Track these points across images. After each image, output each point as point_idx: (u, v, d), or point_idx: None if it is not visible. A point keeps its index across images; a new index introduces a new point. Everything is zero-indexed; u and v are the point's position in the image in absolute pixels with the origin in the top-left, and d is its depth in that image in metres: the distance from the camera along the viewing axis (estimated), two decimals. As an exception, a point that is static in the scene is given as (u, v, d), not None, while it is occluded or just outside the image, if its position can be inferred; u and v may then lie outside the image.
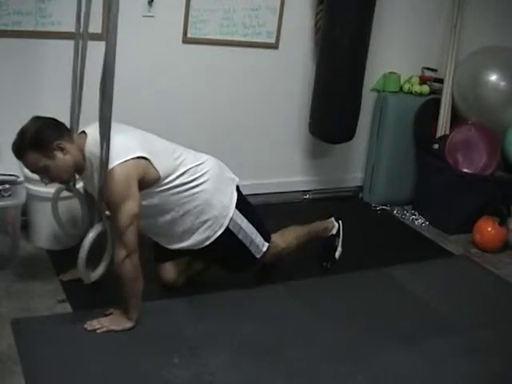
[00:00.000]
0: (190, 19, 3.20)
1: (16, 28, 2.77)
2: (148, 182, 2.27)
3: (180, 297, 2.55)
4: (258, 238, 2.58)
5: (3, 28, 2.74)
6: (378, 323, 2.57)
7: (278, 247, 2.69)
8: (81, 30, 2.34)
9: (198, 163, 2.45)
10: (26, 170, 2.74)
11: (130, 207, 2.16)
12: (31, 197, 2.76)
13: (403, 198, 3.99)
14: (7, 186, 2.58)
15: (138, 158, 2.21)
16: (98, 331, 2.25)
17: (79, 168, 2.29)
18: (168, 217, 2.41)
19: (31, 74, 2.90)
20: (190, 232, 2.47)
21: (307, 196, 3.97)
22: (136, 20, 3.06)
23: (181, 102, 3.35)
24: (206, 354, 2.23)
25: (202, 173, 2.44)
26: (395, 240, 3.52)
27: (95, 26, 2.62)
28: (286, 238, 2.75)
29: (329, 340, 2.42)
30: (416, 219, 3.82)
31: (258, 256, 2.59)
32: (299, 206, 3.84)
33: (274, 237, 2.70)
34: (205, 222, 2.46)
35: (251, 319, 2.49)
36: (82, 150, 2.26)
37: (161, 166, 2.28)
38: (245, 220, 2.54)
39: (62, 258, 2.78)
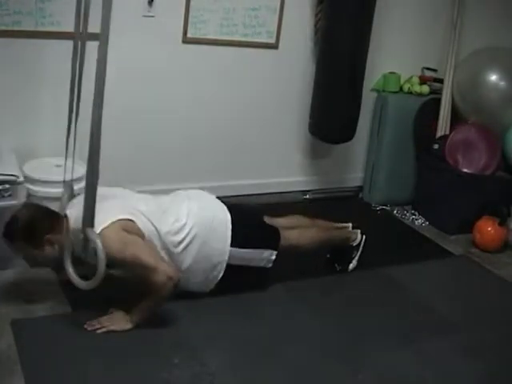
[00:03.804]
0: (189, 19, 3.20)
1: (16, 28, 2.77)
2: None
3: (180, 297, 2.54)
4: (265, 253, 2.58)
5: (3, 28, 2.74)
6: (377, 323, 2.57)
7: (291, 243, 2.68)
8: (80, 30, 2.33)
9: (181, 223, 2.40)
10: (26, 170, 2.76)
11: (137, 244, 2.20)
12: (31, 197, 2.75)
13: (403, 198, 3.98)
14: (7, 186, 2.57)
15: (123, 219, 2.23)
16: (98, 331, 2.25)
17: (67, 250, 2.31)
18: None
19: (31, 73, 2.90)
20: (190, 282, 2.48)
21: (307, 196, 3.97)
22: (136, 20, 3.06)
23: (180, 102, 3.35)
24: (206, 354, 2.23)
25: (186, 232, 2.39)
26: (395, 240, 3.52)
27: (95, 26, 2.61)
28: (302, 239, 2.74)
29: (329, 340, 2.42)
30: (416, 219, 3.82)
31: (269, 266, 2.61)
32: (299, 206, 3.83)
33: (292, 233, 2.70)
34: (203, 272, 2.48)
35: (251, 319, 2.49)
36: (67, 232, 2.27)
37: (143, 228, 2.30)
38: (246, 249, 2.53)
39: (62, 258, 2.77)
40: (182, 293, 2.55)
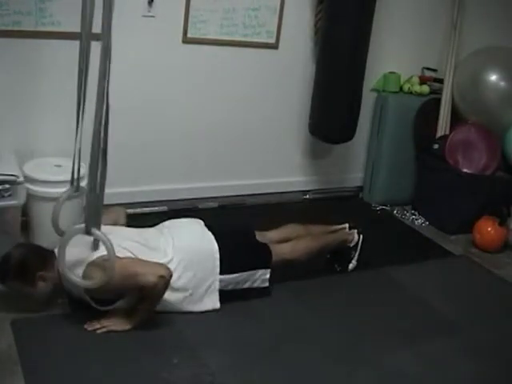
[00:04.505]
0: (189, 19, 3.20)
1: (16, 28, 2.76)
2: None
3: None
4: (258, 273, 2.58)
5: (3, 28, 2.74)
6: (378, 323, 2.57)
7: (284, 258, 2.67)
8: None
9: (168, 259, 2.39)
10: (26, 170, 2.75)
11: (123, 265, 2.19)
12: (31, 197, 2.75)
13: (403, 198, 3.98)
14: (7, 186, 2.57)
15: None
16: (98, 331, 2.25)
17: (59, 287, 2.34)
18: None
19: (31, 74, 2.90)
20: (190, 305, 2.48)
21: (307, 196, 3.97)
22: (136, 20, 3.06)
23: (180, 102, 3.35)
24: (206, 354, 2.23)
25: (173, 268, 2.36)
26: (395, 240, 3.52)
27: (95, 27, 2.61)
28: (296, 252, 2.73)
29: (329, 340, 2.42)
30: (416, 219, 3.82)
31: (265, 285, 2.61)
32: (299, 206, 3.84)
33: (284, 248, 2.70)
34: (198, 302, 2.47)
35: (251, 319, 2.49)
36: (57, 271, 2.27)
37: None
38: (236, 275, 2.53)
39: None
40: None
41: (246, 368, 2.19)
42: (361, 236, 2.96)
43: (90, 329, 2.26)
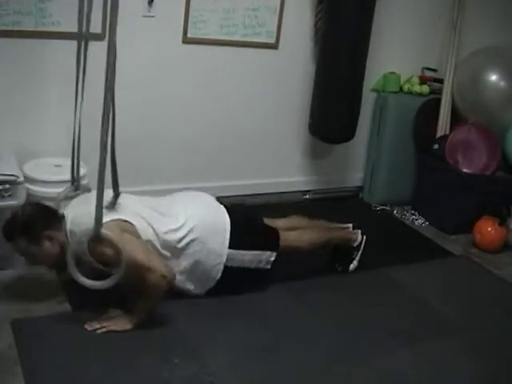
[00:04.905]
0: (190, 19, 3.20)
1: (16, 28, 2.77)
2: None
3: (180, 297, 2.54)
4: (265, 255, 2.58)
5: (3, 28, 2.74)
6: (378, 323, 2.57)
7: (290, 244, 2.68)
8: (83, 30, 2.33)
9: (178, 225, 2.40)
10: (26, 170, 2.76)
11: (133, 243, 2.20)
12: (31, 197, 2.75)
13: (403, 198, 3.98)
14: (7, 186, 2.57)
15: (123, 220, 2.25)
16: (98, 331, 2.25)
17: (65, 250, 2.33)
18: None
19: (31, 74, 2.90)
20: (188, 283, 2.49)
21: (307, 196, 3.97)
22: (136, 20, 3.06)
23: (180, 102, 3.35)
24: (206, 353, 2.23)
25: (183, 234, 2.40)
26: (395, 240, 3.52)
27: (95, 26, 2.61)
28: (301, 241, 2.74)
29: (329, 340, 2.42)
30: (416, 219, 3.82)
31: (268, 267, 2.61)
32: (299, 206, 3.83)
33: (290, 235, 2.70)
34: (201, 274, 2.48)
35: (251, 319, 2.49)
36: (65, 234, 2.28)
37: (141, 230, 2.30)
38: (244, 252, 2.53)
39: (62, 257, 2.77)
40: (181, 292, 2.56)
41: (246, 368, 2.19)
42: (364, 237, 2.96)
43: (90, 329, 2.25)
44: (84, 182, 2.68)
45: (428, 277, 3.07)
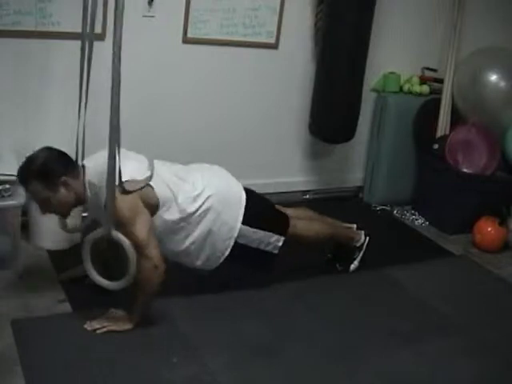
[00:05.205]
0: (190, 19, 3.20)
1: (16, 28, 2.76)
2: (149, 207, 2.27)
3: (180, 297, 2.55)
4: (274, 238, 2.59)
5: (3, 28, 2.74)
6: (378, 323, 2.57)
7: (297, 232, 2.69)
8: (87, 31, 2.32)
9: (196, 193, 2.41)
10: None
11: (143, 220, 2.19)
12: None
13: (403, 198, 3.98)
14: (7, 186, 2.57)
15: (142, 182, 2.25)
16: (98, 331, 2.25)
17: (81, 201, 2.32)
18: (175, 247, 2.43)
19: (31, 74, 2.90)
20: (197, 256, 2.49)
21: (307, 196, 3.97)
22: (136, 20, 3.06)
23: (181, 102, 3.35)
24: (205, 353, 2.23)
25: (200, 202, 2.40)
26: (395, 240, 3.52)
27: (95, 27, 2.61)
28: (309, 229, 2.75)
29: (329, 340, 2.42)
30: (416, 219, 3.82)
31: (276, 252, 2.61)
32: (299, 206, 3.83)
33: (299, 223, 2.71)
34: (211, 246, 2.48)
35: (251, 319, 2.49)
36: (83, 183, 2.27)
37: (159, 194, 2.30)
38: (256, 230, 2.53)
39: (62, 257, 2.78)
40: (181, 292, 2.56)
41: (246, 368, 2.19)
42: (367, 238, 2.96)
43: (89, 329, 2.25)
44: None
45: (428, 277, 3.07)
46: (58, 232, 2.84)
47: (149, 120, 3.29)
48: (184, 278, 2.65)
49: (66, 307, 2.42)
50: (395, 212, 3.90)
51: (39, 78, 2.92)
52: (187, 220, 2.39)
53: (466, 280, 3.13)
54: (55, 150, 2.32)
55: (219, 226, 2.46)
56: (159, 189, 2.31)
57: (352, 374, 2.23)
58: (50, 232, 2.85)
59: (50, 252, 2.84)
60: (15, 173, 2.62)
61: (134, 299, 2.28)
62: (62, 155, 2.32)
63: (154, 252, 2.21)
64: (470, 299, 2.89)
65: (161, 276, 2.23)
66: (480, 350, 2.46)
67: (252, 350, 2.29)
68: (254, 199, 2.60)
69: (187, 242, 2.43)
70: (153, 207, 2.30)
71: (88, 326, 2.26)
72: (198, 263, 2.52)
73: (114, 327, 2.27)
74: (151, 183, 2.29)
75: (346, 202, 4.00)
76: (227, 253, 2.51)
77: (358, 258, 2.95)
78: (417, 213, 3.87)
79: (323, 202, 3.92)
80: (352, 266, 2.95)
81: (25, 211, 2.83)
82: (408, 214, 3.87)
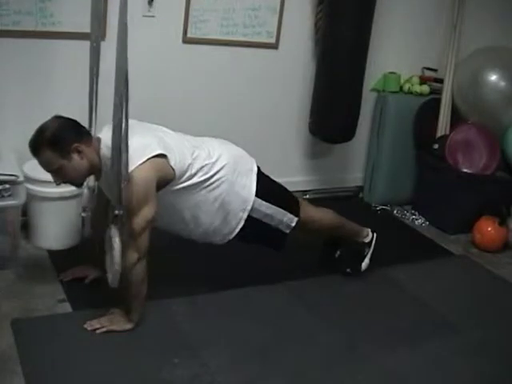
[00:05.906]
0: (190, 19, 3.20)
1: (16, 28, 2.77)
2: (164, 181, 2.24)
3: (180, 297, 2.55)
4: (286, 217, 2.57)
5: (3, 28, 2.74)
6: (377, 323, 2.57)
7: (308, 215, 2.69)
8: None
9: (212, 161, 2.39)
10: (26, 170, 2.76)
11: (146, 212, 2.16)
12: (31, 197, 2.76)
13: (403, 198, 3.99)
14: (7, 185, 2.58)
15: (156, 156, 2.18)
16: (98, 331, 2.25)
17: (95, 171, 2.29)
18: (186, 216, 2.40)
19: (31, 73, 2.90)
20: (210, 230, 2.47)
21: (307, 196, 3.97)
22: (136, 20, 3.05)
23: (180, 102, 3.35)
24: (206, 353, 2.23)
25: (215, 170, 2.38)
26: (395, 240, 3.51)
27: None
28: (320, 214, 2.78)
29: (329, 340, 2.42)
30: (416, 219, 3.82)
31: (287, 231, 2.60)
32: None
33: (311, 209, 2.74)
34: (224, 218, 2.45)
35: (251, 319, 2.49)
36: (98, 154, 2.24)
37: (175, 164, 2.25)
38: (269, 205, 2.51)
39: (62, 257, 2.78)
40: (182, 292, 2.56)
41: (246, 368, 2.19)
42: (374, 234, 2.96)
43: (89, 329, 2.25)
44: (91, 183, 2.66)
45: (428, 277, 3.07)
46: (58, 232, 2.85)
47: (148, 120, 3.28)
48: (184, 277, 2.66)
49: (66, 307, 2.42)
50: (395, 212, 3.91)
51: (39, 78, 2.92)
52: (203, 188, 2.36)
53: (465, 280, 3.13)
54: (66, 118, 2.27)
55: (233, 198, 2.43)
56: (175, 159, 2.25)
57: (352, 373, 2.23)
58: (50, 232, 2.86)
59: (50, 252, 2.84)
60: (15, 173, 2.63)
61: (125, 295, 2.27)
62: (74, 123, 2.27)
63: (142, 247, 2.18)
64: (470, 299, 2.90)
65: (143, 266, 2.20)
66: (480, 350, 2.46)
67: (252, 350, 2.29)
68: (266, 176, 2.60)
69: (200, 212, 2.39)
70: (167, 180, 2.25)
71: (88, 326, 2.26)
72: (211, 236, 2.50)
73: (114, 327, 2.27)
74: (167, 153, 2.21)
75: (345, 202, 4.00)
76: (240, 226, 2.48)
77: (369, 255, 2.93)
78: (417, 213, 3.88)
79: (323, 202, 3.90)
80: (363, 264, 2.92)
81: (25, 211, 2.83)
82: (408, 214, 3.87)
